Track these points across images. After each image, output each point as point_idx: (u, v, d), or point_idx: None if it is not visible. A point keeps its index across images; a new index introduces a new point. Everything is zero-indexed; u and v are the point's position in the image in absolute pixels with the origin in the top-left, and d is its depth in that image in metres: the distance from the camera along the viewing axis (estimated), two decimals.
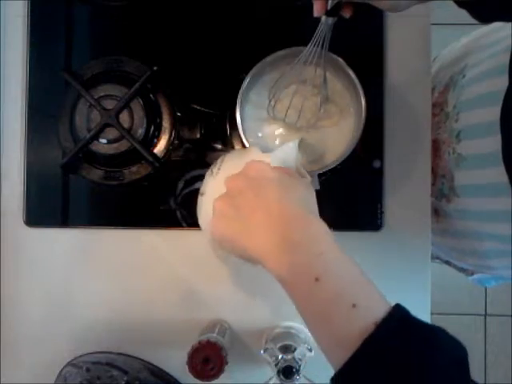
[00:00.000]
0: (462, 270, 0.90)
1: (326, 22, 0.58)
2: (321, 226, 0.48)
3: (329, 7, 0.56)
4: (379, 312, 0.42)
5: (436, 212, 0.76)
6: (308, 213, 0.49)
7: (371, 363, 0.41)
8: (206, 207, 0.58)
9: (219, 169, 0.58)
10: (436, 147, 0.73)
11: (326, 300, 0.44)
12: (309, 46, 0.60)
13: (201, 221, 0.61)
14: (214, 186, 0.57)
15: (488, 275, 0.88)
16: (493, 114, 0.57)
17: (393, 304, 0.43)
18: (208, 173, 0.61)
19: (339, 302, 0.44)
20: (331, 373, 0.44)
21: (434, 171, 0.74)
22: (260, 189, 0.50)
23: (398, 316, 0.42)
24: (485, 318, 1.70)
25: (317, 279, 0.44)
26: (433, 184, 0.74)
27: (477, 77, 0.66)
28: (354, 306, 0.43)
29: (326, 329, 0.45)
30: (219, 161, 0.60)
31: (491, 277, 0.88)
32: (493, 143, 0.58)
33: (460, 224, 0.72)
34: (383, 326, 0.41)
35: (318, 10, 0.57)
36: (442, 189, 0.73)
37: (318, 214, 0.50)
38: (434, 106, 0.75)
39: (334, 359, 0.44)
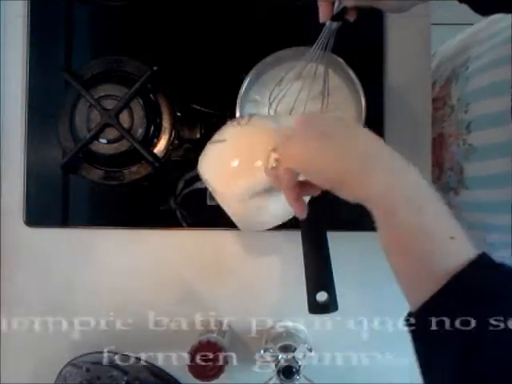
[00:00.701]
0: None
1: (330, 27, 0.59)
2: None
3: (334, 12, 0.57)
4: (471, 250, 0.42)
5: None
6: None
7: (462, 297, 0.41)
8: (225, 154, 0.57)
9: (249, 121, 0.57)
10: (441, 141, 0.73)
11: (427, 229, 0.44)
12: (313, 48, 0.61)
13: (211, 168, 0.59)
14: (240, 135, 0.57)
15: None
16: (502, 103, 0.57)
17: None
18: (231, 123, 0.59)
19: (438, 233, 0.43)
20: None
21: (439, 165, 0.74)
22: (342, 122, 0.50)
23: (488, 257, 0.42)
24: None
25: (420, 207, 0.44)
26: (438, 178, 0.74)
27: (481, 68, 0.66)
28: (452, 238, 0.43)
29: (417, 259, 0.44)
30: (247, 116, 0.59)
31: None
32: (504, 133, 0.58)
33: (468, 216, 0.71)
34: (477, 262, 0.41)
35: (324, 15, 0.58)
36: (448, 182, 0.72)
37: None
38: (435, 100, 0.75)
39: (418, 293, 0.43)
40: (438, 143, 0.73)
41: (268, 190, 0.55)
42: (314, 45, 0.60)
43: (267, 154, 0.53)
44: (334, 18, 0.58)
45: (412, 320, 0.44)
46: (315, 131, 0.49)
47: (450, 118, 0.71)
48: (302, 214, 0.52)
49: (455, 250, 0.42)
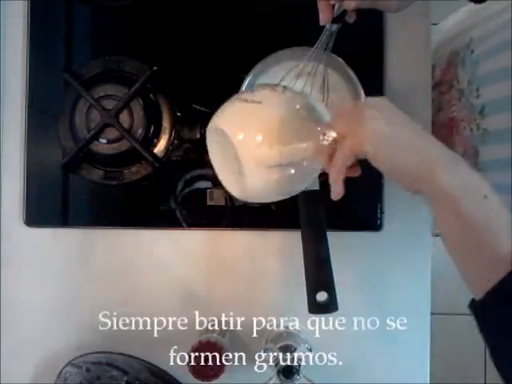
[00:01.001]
0: None
1: (330, 29, 0.59)
2: None
3: (335, 15, 0.58)
4: None
5: None
6: None
7: None
8: (259, 116, 0.55)
9: (285, 91, 0.56)
10: (452, 125, 0.73)
11: (492, 217, 0.45)
12: (312, 50, 0.61)
13: (236, 125, 0.56)
14: (279, 102, 0.55)
15: None
16: None
17: None
18: (265, 87, 0.58)
19: (503, 220, 0.45)
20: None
21: (450, 149, 0.74)
22: (400, 116, 0.50)
23: None
24: None
25: (485, 197, 0.45)
26: None
27: (489, 51, 0.66)
28: (491, 232, 0.44)
29: (483, 246, 0.45)
30: (280, 86, 0.58)
31: None
32: None
33: None
34: None
35: (324, 18, 0.58)
36: None
37: None
38: (439, 84, 0.75)
39: (484, 280, 0.44)
40: (449, 128, 0.73)
41: (290, 164, 0.54)
42: (314, 46, 0.61)
43: (312, 129, 0.52)
44: (334, 21, 0.58)
45: (477, 306, 0.45)
46: (397, 117, 0.49)
47: (461, 102, 0.71)
48: (340, 195, 0.52)
49: None
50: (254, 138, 0.55)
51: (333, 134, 0.50)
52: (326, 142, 0.51)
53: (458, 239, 0.47)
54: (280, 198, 0.59)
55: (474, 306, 0.46)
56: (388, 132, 0.48)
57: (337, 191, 0.51)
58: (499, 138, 0.65)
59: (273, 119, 0.54)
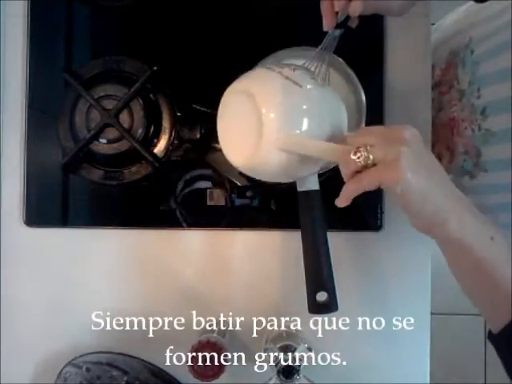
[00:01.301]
0: None
1: (333, 34, 0.59)
2: None
3: (338, 21, 0.58)
4: None
5: None
6: None
7: None
8: (295, 99, 0.53)
9: (324, 85, 0.56)
10: (453, 125, 0.73)
11: (501, 257, 0.48)
12: (315, 54, 0.61)
13: (269, 97, 0.53)
14: (318, 94, 0.55)
15: None
16: None
17: None
18: (306, 73, 0.56)
19: (509, 257, 0.48)
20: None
21: (450, 149, 0.73)
22: (429, 154, 0.51)
23: None
24: None
25: (492, 238, 0.49)
26: (449, 162, 0.74)
27: (489, 51, 0.66)
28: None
29: (495, 285, 0.48)
30: (319, 79, 0.57)
31: None
32: None
33: (486, 198, 0.71)
34: None
35: (327, 24, 0.58)
36: (463, 165, 0.72)
37: None
38: (439, 84, 0.75)
39: (497, 316, 0.48)
40: (450, 128, 0.73)
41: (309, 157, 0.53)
42: (316, 51, 0.61)
43: (344, 135, 0.53)
44: (337, 26, 0.59)
45: (496, 339, 0.49)
46: (425, 157, 0.50)
47: (461, 103, 0.71)
48: (345, 205, 0.52)
49: None
50: (285, 120, 0.52)
51: (370, 157, 0.49)
52: (357, 159, 0.49)
53: (470, 280, 0.51)
54: (283, 179, 0.58)
55: (494, 338, 0.49)
56: (419, 183, 0.48)
57: (345, 202, 0.52)
58: (501, 139, 0.65)
59: (309, 107, 0.53)
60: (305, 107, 0.53)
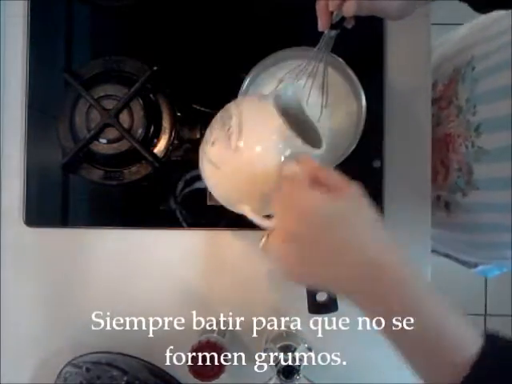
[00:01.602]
0: (464, 262, 0.90)
1: (329, 34, 0.60)
2: (391, 254, 0.50)
3: (333, 22, 0.58)
4: (480, 336, 0.43)
5: (447, 206, 0.76)
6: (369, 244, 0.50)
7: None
8: (222, 182, 0.56)
9: (241, 142, 0.53)
10: (449, 141, 0.73)
11: (437, 326, 0.46)
12: (312, 54, 0.61)
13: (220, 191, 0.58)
14: (237, 164, 0.54)
15: (491, 266, 0.88)
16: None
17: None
18: (220, 134, 0.56)
19: (448, 326, 0.45)
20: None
21: (445, 165, 0.74)
22: (322, 230, 0.49)
23: (496, 336, 0.44)
24: (485, 318, 1.70)
25: (427, 307, 0.47)
26: (445, 179, 0.74)
27: (489, 69, 0.66)
28: (460, 328, 0.45)
29: (433, 355, 0.47)
30: (235, 125, 0.54)
31: (494, 267, 0.88)
32: None
33: (477, 217, 0.71)
34: (492, 344, 0.42)
35: (323, 25, 0.59)
36: (457, 182, 0.72)
37: (375, 227, 0.52)
38: (439, 99, 0.75)
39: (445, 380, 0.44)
40: (445, 143, 0.73)
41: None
42: (314, 50, 0.61)
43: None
44: (332, 27, 0.59)
45: None
46: (299, 235, 0.48)
47: (459, 119, 0.71)
48: None
49: (467, 339, 0.44)
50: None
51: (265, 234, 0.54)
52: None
53: (405, 346, 0.50)
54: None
55: None
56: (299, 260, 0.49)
57: None
58: (494, 157, 0.65)
59: (229, 183, 0.56)
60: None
